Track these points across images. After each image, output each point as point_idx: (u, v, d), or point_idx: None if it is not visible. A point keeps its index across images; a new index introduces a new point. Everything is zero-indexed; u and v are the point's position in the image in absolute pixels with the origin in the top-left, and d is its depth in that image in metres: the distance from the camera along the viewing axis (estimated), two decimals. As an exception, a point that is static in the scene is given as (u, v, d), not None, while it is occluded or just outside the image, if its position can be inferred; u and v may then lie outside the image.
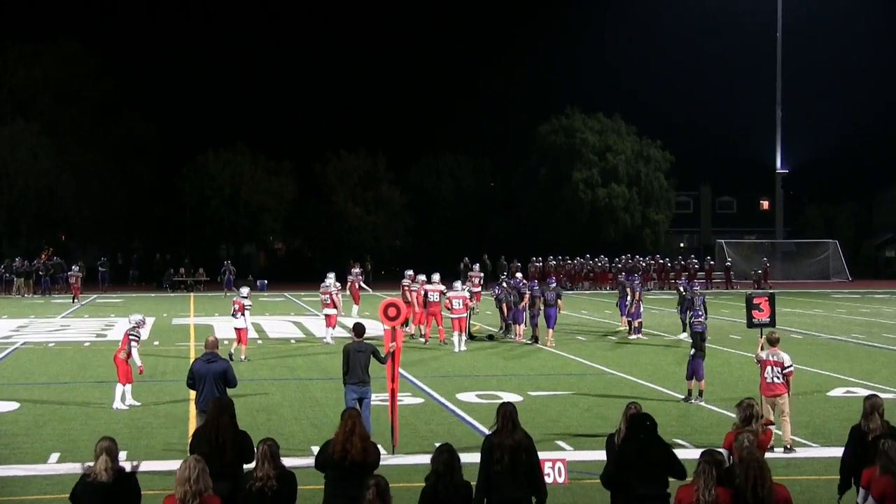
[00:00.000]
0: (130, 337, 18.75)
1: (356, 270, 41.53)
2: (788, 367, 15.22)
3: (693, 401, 19.35)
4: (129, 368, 18.65)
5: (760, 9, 74.81)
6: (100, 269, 56.93)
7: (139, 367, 18.82)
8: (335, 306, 30.03)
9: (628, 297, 31.72)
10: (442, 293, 29.43)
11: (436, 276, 30.33)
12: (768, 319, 16.25)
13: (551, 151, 75.25)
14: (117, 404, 18.67)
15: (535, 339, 29.44)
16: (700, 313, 20.78)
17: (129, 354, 18.65)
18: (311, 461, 10.48)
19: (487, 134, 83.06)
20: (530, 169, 76.88)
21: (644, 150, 75.52)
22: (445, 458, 8.85)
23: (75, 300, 47.15)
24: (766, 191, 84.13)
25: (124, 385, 18.73)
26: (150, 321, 36.40)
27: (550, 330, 29.07)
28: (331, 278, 30.53)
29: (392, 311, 15.39)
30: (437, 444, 9.20)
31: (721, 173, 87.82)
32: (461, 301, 28.26)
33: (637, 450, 9.29)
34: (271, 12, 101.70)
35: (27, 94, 66.46)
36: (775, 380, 15.17)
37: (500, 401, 19.28)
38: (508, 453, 9.49)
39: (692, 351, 19.39)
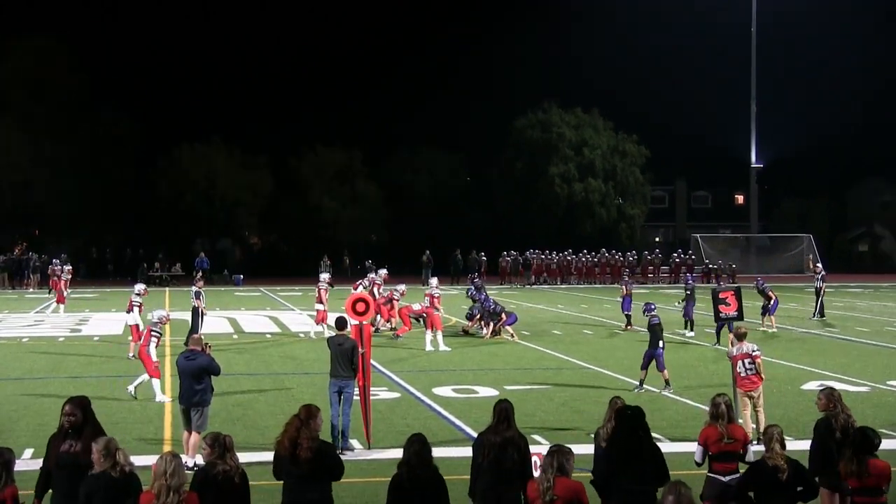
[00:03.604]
0: (152, 332, 18.92)
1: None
2: (755, 351, 15.51)
3: (662, 392, 19.65)
4: (156, 362, 18.78)
5: (736, 4, 75.16)
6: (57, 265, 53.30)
7: (154, 363, 18.79)
8: (321, 302, 29.97)
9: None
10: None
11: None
12: (736, 313, 16.36)
13: (528, 146, 75.36)
14: (160, 397, 18.83)
15: (496, 333, 29.65)
16: (653, 307, 21.14)
17: (149, 348, 18.84)
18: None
19: (463, 128, 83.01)
20: (506, 163, 76.95)
21: (620, 145, 75.73)
22: (416, 448, 8.93)
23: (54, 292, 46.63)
24: (741, 185, 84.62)
25: (158, 378, 18.99)
26: (124, 316, 36.27)
27: (508, 327, 29.61)
28: (324, 275, 31.16)
29: (360, 306, 15.38)
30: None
31: (696, 168, 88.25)
32: (428, 299, 28.12)
33: (623, 441, 9.34)
34: (247, 7, 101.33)
35: (0, 87, 65.90)
36: (748, 373, 15.37)
37: (477, 395, 19.45)
38: (495, 450, 9.51)
39: (661, 344, 19.76)
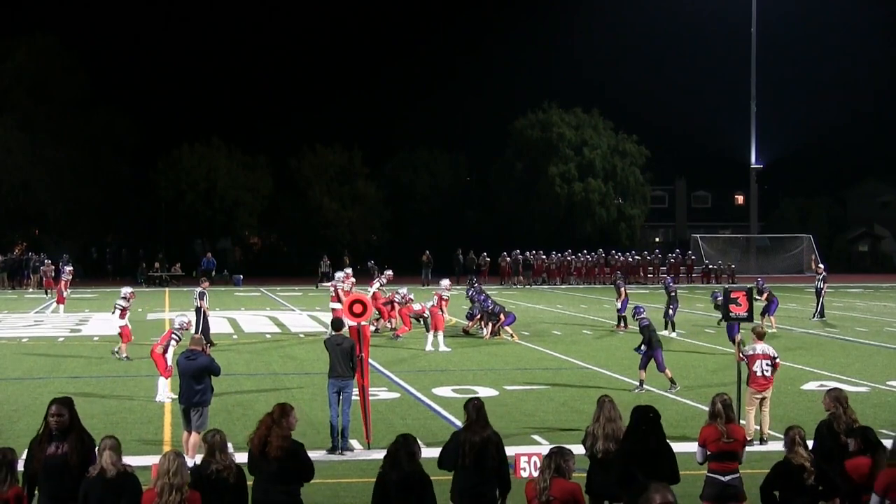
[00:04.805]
0: (172, 336, 18.84)
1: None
2: (776, 357, 15.57)
3: (669, 391, 19.70)
4: (166, 362, 18.73)
5: (736, 4, 75.21)
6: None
7: (168, 368, 18.68)
8: (339, 301, 29.74)
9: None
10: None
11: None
12: (746, 314, 16.32)
13: (527, 146, 75.35)
14: (160, 397, 18.86)
15: (495, 333, 29.56)
16: (643, 310, 21.18)
17: (165, 350, 18.72)
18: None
19: (463, 128, 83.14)
20: (506, 163, 76.94)
21: (620, 145, 75.70)
22: (399, 446, 8.90)
23: (50, 292, 46.74)
24: (741, 185, 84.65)
25: (167, 378, 18.88)
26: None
27: (508, 328, 29.49)
28: (339, 274, 30.85)
29: (357, 308, 15.36)
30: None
31: (696, 168, 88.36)
32: (436, 298, 28.07)
33: (642, 440, 9.34)
34: (246, 8, 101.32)
35: (0, 88, 65.89)
36: (766, 373, 15.36)
37: (477, 395, 19.41)
38: (475, 449, 9.54)
39: (642, 347, 20.03)
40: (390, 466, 8.86)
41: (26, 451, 9.48)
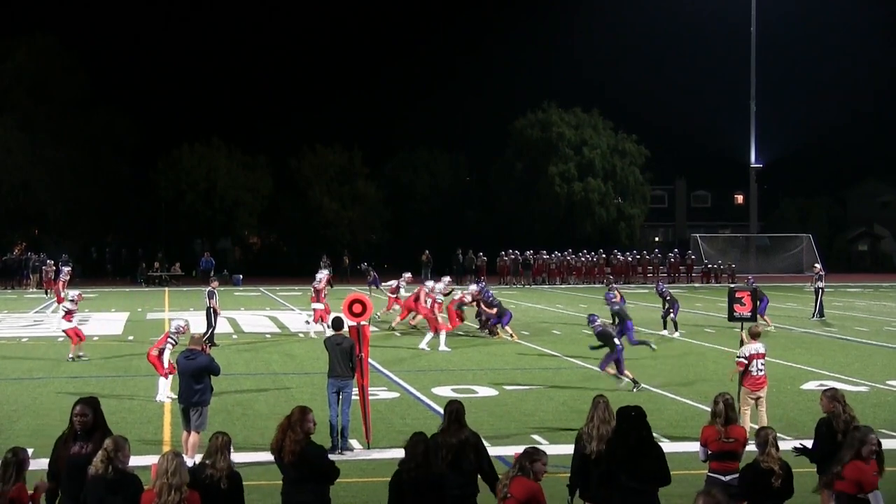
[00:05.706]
0: (169, 339, 18.82)
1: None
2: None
3: (624, 383, 19.96)
4: (163, 364, 18.74)
5: (736, 4, 75.20)
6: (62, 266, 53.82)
7: (168, 367, 18.69)
8: (319, 301, 29.74)
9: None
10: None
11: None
12: (749, 314, 16.29)
13: (527, 146, 75.33)
14: (160, 397, 18.86)
15: (493, 333, 29.51)
16: (595, 318, 21.16)
17: (160, 353, 18.74)
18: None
19: (463, 128, 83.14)
20: (506, 163, 76.93)
21: (620, 145, 75.70)
22: (421, 447, 8.91)
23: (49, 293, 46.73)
24: (741, 185, 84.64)
25: (166, 378, 18.86)
26: (123, 316, 36.32)
27: (507, 327, 29.38)
28: (319, 275, 30.77)
29: (357, 308, 15.33)
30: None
31: (696, 168, 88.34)
32: (430, 300, 27.99)
33: (628, 440, 9.35)
34: (246, 8, 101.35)
35: (0, 88, 65.89)
36: (760, 373, 15.35)
37: (476, 395, 19.44)
38: (452, 452, 9.59)
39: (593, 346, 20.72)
40: (410, 465, 8.87)
41: (52, 450, 9.48)
